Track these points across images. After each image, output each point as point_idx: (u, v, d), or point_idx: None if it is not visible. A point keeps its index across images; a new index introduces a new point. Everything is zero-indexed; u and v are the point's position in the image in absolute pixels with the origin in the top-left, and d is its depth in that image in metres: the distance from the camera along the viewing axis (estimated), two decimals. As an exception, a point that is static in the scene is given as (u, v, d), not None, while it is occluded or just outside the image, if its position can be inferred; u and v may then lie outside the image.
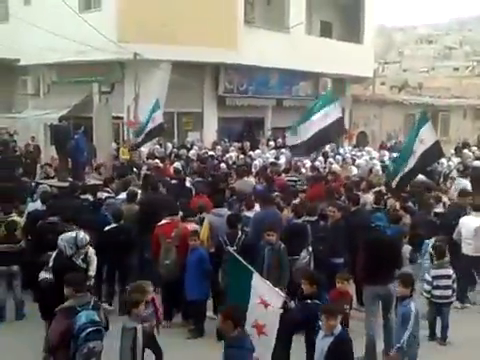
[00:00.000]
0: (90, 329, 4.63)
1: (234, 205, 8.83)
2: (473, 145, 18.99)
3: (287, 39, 17.99)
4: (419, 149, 8.73)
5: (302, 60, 17.97)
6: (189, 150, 14.25)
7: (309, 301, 4.99)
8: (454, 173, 11.19)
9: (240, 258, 4.93)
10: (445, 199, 9.07)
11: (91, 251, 6.44)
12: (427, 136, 8.77)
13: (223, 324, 4.33)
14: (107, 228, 7.52)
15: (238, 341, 4.27)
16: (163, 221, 7.33)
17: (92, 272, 6.43)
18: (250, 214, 7.97)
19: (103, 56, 14.79)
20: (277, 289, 4.82)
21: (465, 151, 15.84)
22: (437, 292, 6.70)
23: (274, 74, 18.77)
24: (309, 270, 5.85)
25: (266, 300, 4.59)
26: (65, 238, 6.07)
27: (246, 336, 4.40)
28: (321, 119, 10.22)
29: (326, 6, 21.53)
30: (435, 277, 6.71)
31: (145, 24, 14.49)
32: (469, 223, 7.74)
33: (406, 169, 8.86)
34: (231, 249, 5.49)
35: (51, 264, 6.09)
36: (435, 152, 8.95)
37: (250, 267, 4.83)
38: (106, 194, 9.25)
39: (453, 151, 16.33)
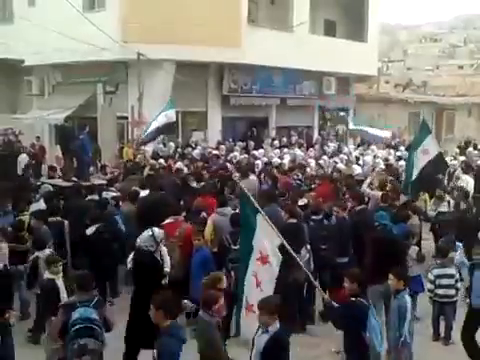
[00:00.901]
0: (79, 326, 4.61)
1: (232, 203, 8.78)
2: (474, 143, 18.90)
3: (291, 38, 17.96)
4: (422, 160, 8.70)
5: (306, 59, 17.94)
6: (194, 149, 14.28)
7: (354, 299, 5.00)
8: (458, 171, 11.16)
9: (249, 195, 5.00)
10: (448, 198, 9.04)
11: (163, 249, 6.51)
12: (430, 147, 8.76)
13: (155, 314, 4.32)
14: (89, 232, 7.50)
15: (170, 330, 4.27)
16: (167, 221, 7.35)
17: (167, 269, 6.58)
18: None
19: (107, 56, 14.83)
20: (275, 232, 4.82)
21: (470, 149, 15.81)
22: (440, 291, 6.71)
23: (278, 73, 18.75)
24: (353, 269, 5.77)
25: (264, 254, 4.69)
26: (143, 238, 6.10)
27: (178, 326, 4.40)
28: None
29: (330, 5, 21.48)
30: (438, 276, 6.72)
31: (149, 24, 14.51)
32: None
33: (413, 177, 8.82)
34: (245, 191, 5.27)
35: (130, 266, 6.20)
36: (439, 163, 8.92)
37: (258, 207, 4.88)
38: (112, 194, 9.30)
39: (457, 150, 16.29)
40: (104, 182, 10.53)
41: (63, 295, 5.83)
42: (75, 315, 4.69)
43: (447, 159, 12.83)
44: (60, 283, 5.97)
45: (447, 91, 30.57)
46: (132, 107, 15.42)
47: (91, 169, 12.40)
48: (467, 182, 10.09)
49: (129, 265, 6.30)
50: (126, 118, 15.97)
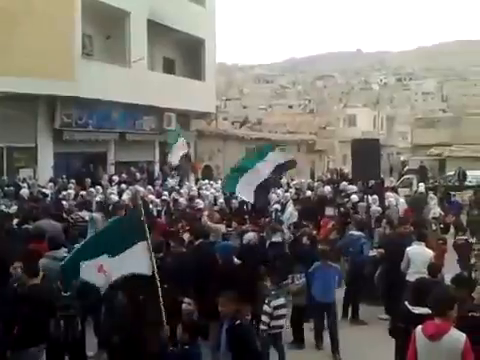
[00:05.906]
0: None
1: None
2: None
3: (129, 73, 17.80)
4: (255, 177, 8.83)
5: (145, 95, 17.91)
6: (20, 188, 12.95)
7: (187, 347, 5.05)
8: (290, 203, 11.78)
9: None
10: (282, 228, 9.41)
11: None
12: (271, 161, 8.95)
13: None
14: None
15: None
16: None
17: None
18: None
19: None
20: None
21: (303, 181, 17.17)
22: (275, 323, 6.45)
23: (117, 108, 18.32)
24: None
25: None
26: None
27: None
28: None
29: (168, 43, 21.91)
30: (275, 307, 6.52)
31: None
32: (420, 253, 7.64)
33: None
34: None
35: None
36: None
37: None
38: None
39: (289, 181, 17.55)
40: None
41: None
42: None
43: (279, 191, 13.73)
44: None
45: (279, 128, 33.09)
46: None
47: None
48: (290, 213, 10.63)
49: None
50: None
